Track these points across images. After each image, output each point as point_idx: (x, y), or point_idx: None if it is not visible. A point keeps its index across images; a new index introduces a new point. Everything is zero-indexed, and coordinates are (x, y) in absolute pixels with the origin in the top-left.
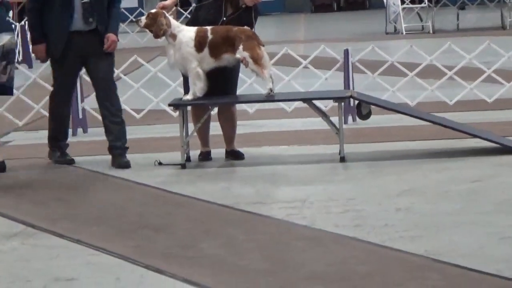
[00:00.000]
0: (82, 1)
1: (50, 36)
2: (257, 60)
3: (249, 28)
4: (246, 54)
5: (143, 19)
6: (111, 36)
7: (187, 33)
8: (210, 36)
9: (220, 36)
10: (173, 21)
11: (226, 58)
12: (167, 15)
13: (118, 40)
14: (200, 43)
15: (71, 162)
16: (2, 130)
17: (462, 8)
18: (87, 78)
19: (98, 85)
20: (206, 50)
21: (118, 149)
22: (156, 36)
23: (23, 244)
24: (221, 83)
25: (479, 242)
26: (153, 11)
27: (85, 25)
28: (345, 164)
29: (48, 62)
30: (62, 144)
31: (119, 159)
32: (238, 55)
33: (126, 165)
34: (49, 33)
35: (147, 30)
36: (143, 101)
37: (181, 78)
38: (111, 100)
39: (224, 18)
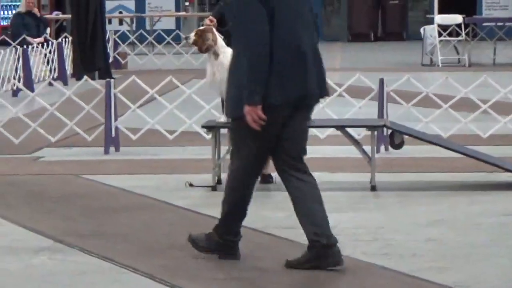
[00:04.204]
0: None
1: None
2: None
3: None
4: None
5: (192, 36)
6: None
7: (230, 56)
8: None
9: None
10: (220, 40)
11: None
12: (215, 32)
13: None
14: None
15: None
16: (35, 146)
17: None
18: (121, 96)
19: None
20: None
21: None
22: (200, 50)
23: (51, 259)
24: None
25: (508, 275)
26: (201, 28)
27: None
28: (376, 193)
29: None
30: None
31: None
32: None
33: None
34: None
35: (183, 52)
36: (177, 122)
37: (215, 101)
38: None
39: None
